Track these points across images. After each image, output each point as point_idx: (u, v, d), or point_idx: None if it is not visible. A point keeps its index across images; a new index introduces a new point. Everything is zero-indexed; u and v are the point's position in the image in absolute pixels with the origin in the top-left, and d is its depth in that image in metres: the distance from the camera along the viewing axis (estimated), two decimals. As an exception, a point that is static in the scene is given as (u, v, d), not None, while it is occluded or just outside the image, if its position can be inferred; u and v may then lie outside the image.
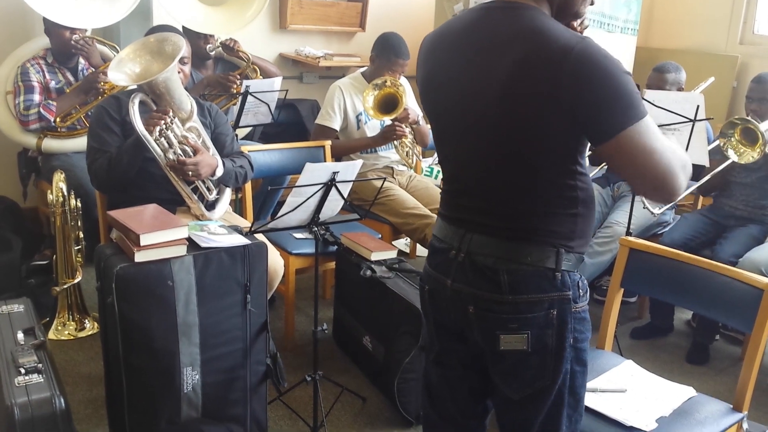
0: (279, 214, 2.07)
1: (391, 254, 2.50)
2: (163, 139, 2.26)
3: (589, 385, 1.83)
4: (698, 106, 2.30)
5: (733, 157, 2.60)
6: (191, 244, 1.97)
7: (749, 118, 2.59)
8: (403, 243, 2.57)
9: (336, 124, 3.18)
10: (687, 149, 2.38)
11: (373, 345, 2.43)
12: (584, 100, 1.17)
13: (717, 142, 2.65)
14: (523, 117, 1.22)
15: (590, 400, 1.76)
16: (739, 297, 1.85)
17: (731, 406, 1.84)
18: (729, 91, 4.08)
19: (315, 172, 2.05)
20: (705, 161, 2.48)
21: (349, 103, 3.20)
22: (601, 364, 1.96)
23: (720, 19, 4.38)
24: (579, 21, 1.36)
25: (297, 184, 2.03)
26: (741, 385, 1.83)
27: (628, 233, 2.69)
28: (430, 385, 1.55)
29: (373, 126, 3.20)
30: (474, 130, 1.31)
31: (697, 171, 2.86)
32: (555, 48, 1.18)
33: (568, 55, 1.16)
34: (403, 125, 3.06)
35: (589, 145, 1.27)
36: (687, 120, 2.35)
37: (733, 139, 2.61)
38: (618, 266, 2.06)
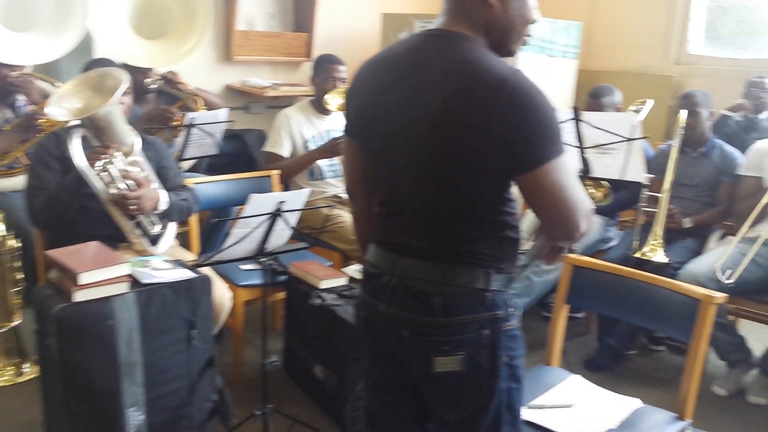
0: (224, 246, 2.05)
1: (341, 281, 2.49)
2: (104, 173, 2.23)
3: (535, 401, 1.86)
4: (633, 126, 2.38)
5: None
6: (134, 281, 1.94)
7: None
8: (354, 269, 2.56)
9: (284, 151, 3.19)
10: (626, 168, 2.45)
11: (325, 374, 2.41)
12: (515, 131, 1.21)
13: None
14: (458, 146, 1.25)
15: (536, 417, 1.78)
16: (678, 308, 1.90)
17: (676, 415, 1.88)
18: (666, 110, 4.22)
19: (260, 203, 2.05)
20: (642, 179, 2.56)
21: (296, 130, 3.21)
22: (548, 381, 1.98)
23: (656, 41, 4.55)
24: None
25: (242, 215, 2.02)
26: (683, 393, 1.87)
27: (571, 251, 2.74)
28: (371, 412, 1.55)
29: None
30: (410, 157, 1.32)
31: (636, 189, 2.95)
32: (490, 80, 1.21)
33: (502, 87, 1.20)
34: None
35: None
36: (624, 139, 2.42)
37: None
38: (562, 283, 2.10)
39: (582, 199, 1.28)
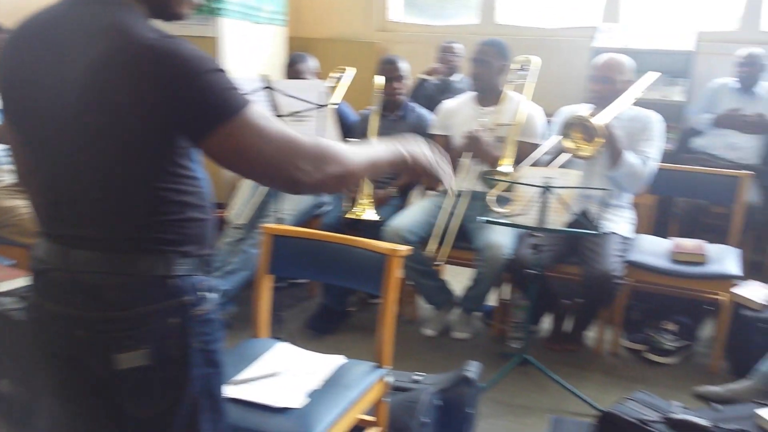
0: None
1: (23, 281, 2.23)
2: None
3: (239, 376, 1.84)
4: (321, 93, 2.44)
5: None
6: None
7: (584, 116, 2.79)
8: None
9: None
10: (321, 134, 2.51)
11: (12, 388, 2.15)
12: (169, 101, 1.12)
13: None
14: (110, 124, 1.13)
15: (239, 392, 1.77)
16: (370, 264, 2.01)
17: (376, 363, 2.00)
18: (371, 76, 4.44)
19: None
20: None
21: None
22: (254, 353, 1.98)
23: (359, 8, 4.76)
24: None
25: None
26: (379, 342, 2.00)
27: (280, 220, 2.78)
28: (58, 423, 1.40)
29: None
30: (62, 138, 1.18)
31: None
32: (134, 48, 1.11)
33: (147, 54, 1.10)
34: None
35: None
36: (316, 106, 2.47)
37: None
38: (264, 254, 2.10)
39: (289, 144, 1.19)
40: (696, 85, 4.27)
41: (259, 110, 1.21)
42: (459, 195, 3.08)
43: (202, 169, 1.28)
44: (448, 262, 3.22)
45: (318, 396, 1.81)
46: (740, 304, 2.93)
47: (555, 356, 3.03)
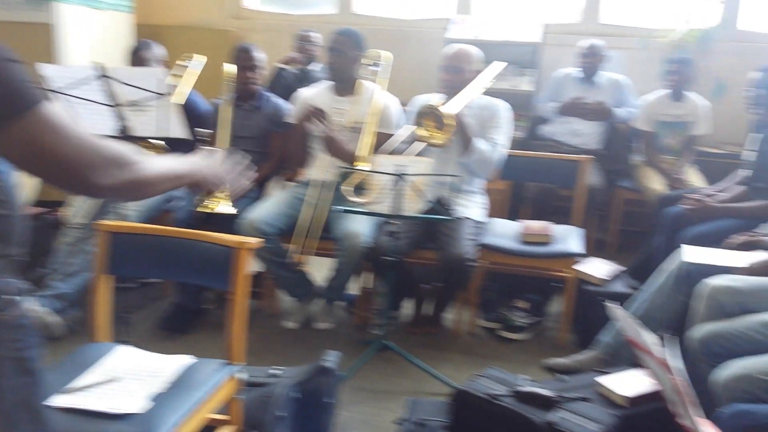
0: None
1: None
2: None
3: (73, 384, 1.72)
4: (161, 80, 2.32)
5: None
6: None
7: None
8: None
9: None
10: (165, 124, 2.39)
11: None
12: None
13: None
14: None
15: (73, 401, 1.65)
16: (220, 259, 1.93)
17: (226, 361, 1.94)
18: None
19: None
20: (186, 134, 2.54)
21: None
22: (89, 359, 1.85)
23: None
24: None
25: None
26: (229, 338, 1.94)
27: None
28: None
29: None
30: None
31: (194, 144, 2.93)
32: None
33: None
34: None
35: None
36: (157, 95, 2.35)
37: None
38: (100, 253, 1.97)
39: (84, 145, 1.13)
40: (543, 75, 4.50)
41: (56, 108, 1.13)
42: (322, 185, 3.06)
43: (4, 161, 1.17)
44: (309, 253, 3.19)
45: (162, 399, 1.72)
46: (584, 280, 3.12)
47: (416, 339, 3.09)
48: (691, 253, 2.57)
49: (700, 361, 2.12)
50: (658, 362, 1.73)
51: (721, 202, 3.21)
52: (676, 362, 1.65)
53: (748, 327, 2.07)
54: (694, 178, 4.02)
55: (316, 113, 3.04)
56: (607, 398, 2.08)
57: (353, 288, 3.24)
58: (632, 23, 4.66)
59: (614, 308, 1.97)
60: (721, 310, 2.20)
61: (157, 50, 3.20)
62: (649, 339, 1.75)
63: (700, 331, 2.16)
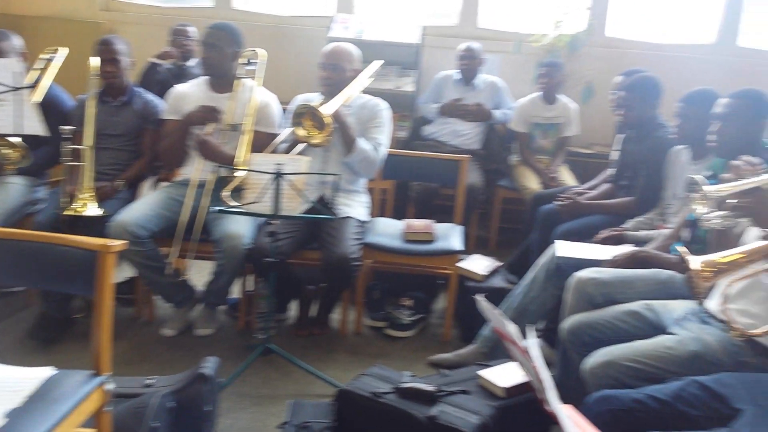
0: None
1: None
2: None
3: None
4: (16, 73, 2.14)
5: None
6: None
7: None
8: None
9: None
10: (21, 120, 2.21)
11: None
12: None
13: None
14: None
15: None
16: (78, 263, 1.81)
17: (93, 372, 1.81)
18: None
19: None
20: (41, 131, 2.36)
21: None
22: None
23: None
24: None
25: None
26: (95, 348, 1.82)
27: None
28: None
29: None
30: None
31: (58, 142, 2.74)
32: None
33: None
34: None
35: None
36: (12, 88, 2.17)
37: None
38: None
39: None
40: (424, 76, 4.58)
41: None
42: (199, 186, 2.94)
43: None
44: (188, 257, 3.06)
45: (18, 415, 1.58)
46: (465, 277, 3.19)
47: (303, 342, 3.04)
48: (563, 248, 2.69)
49: (571, 350, 2.21)
50: (521, 351, 1.78)
51: (589, 199, 3.38)
52: (535, 350, 1.70)
53: (613, 316, 2.18)
54: (566, 177, 4.22)
55: (211, 114, 2.92)
56: (487, 390, 2.14)
57: (235, 291, 3.14)
58: (507, 28, 4.83)
59: (481, 301, 2.02)
60: (588, 301, 2.30)
61: (16, 41, 2.94)
62: (512, 329, 1.80)
63: (570, 321, 2.26)
